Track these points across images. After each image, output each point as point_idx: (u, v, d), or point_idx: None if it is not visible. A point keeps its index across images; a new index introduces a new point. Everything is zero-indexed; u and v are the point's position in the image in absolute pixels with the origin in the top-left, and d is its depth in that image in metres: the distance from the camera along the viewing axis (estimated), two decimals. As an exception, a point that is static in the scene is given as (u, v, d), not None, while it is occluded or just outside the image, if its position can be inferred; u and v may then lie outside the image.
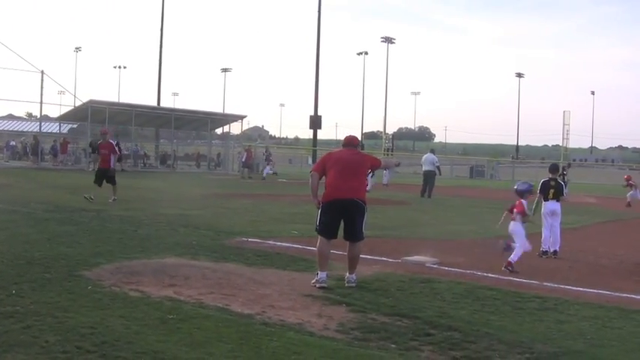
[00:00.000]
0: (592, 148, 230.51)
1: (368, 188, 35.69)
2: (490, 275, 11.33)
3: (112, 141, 24.14)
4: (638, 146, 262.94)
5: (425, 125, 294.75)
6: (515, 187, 13.09)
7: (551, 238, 14.23)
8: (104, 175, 22.21)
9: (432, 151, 35.79)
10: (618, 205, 33.63)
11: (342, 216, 9.99)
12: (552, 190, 14.42)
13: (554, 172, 14.87)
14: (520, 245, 12.15)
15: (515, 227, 12.38)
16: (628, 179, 37.16)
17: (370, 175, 39.40)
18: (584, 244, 16.81)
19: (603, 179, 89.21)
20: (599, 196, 42.35)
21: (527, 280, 11.02)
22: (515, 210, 12.46)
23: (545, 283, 10.84)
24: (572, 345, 7.25)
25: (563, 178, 36.11)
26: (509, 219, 12.51)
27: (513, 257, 11.99)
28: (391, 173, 43.69)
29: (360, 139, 11.85)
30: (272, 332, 7.16)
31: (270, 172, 47.42)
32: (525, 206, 12.63)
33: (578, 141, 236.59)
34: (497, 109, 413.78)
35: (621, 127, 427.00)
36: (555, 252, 14.07)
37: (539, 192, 14.48)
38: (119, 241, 13.33)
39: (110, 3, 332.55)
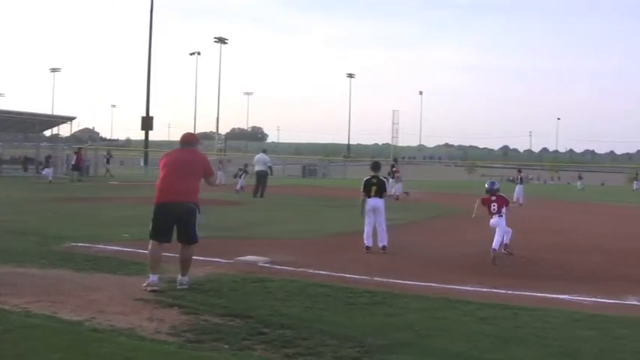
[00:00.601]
0: (420, 146, 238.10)
1: (237, 187, 35.80)
2: (322, 272, 11.49)
3: None
4: (463, 144, 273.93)
5: (258, 125, 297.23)
6: (487, 186, 14.84)
7: (379, 234, 14.59)
8: None
9: (264, 151, 35.85)
10: (447, 200, 34.89)
11: (173, 219, 9.80)
12: (374, 187, 14.76)
13: (376, 170, 15.15)
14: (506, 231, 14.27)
15: (501, 221, 14.06)
16: (396, 171, 38.62)
17: (242, 174, 39.37)
18: (414, 238, 17.38)
19: (431, 176, 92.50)
20: (428, 192, 43.80)
21: (358, 276, 11.25)
22: (497, 204, 14.22)
23: (375, 278, 11.10)
24: (402, 336, 7.45)
25: (393, 175, 37.43)
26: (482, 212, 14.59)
27: (507, 239, 14.36)
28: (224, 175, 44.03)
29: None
30: (102, 338, 6.98)
31: (49, 176, 44.21)
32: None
33: (408, 139, 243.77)
34: (329, 109, 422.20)
35: (448, 126, 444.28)
36: (384, 247, 14.41)
37: (362, 190, 14.83)
38: (-63, 250, 12.66)
39: None
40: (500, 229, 13.92)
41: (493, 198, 14.32)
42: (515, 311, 8.90)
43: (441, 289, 10.39)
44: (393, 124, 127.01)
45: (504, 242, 14.28)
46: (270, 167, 34.83)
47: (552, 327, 8.12)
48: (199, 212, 9.99)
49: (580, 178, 78.94)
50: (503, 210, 14.22)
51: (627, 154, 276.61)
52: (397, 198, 34.88)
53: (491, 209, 14.26)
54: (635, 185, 76.29)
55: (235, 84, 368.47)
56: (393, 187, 37.13)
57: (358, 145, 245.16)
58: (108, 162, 59.01)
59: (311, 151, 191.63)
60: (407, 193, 37.03)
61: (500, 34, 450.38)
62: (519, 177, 38.25)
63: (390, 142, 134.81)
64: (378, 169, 15.23)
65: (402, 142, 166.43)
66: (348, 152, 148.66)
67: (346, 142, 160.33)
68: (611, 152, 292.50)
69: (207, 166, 10.54)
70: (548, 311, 8.99)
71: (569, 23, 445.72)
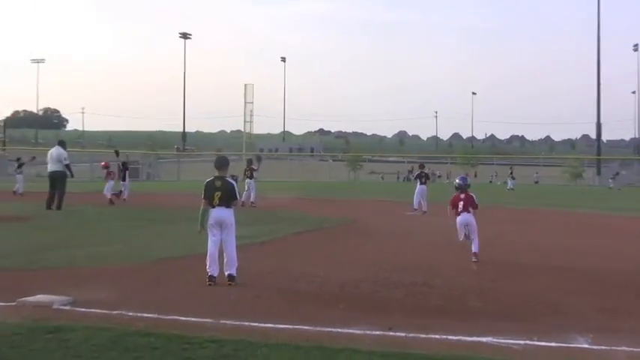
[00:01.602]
0: (285, 134, 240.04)
1: (15, 189, 35.03)
2: (146, 315, 11.29)
3: None
4: (344, 130, 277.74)
5: (53, 107, 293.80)
6: (459, 181, 18.29)
7: (226, 258, 14.34)
8: None
9: (61, 144, 34.52)
10: (321, 208, 35.10)
11: None
12: (219, 192, 14.40)
13: (221, 169, 14.74)
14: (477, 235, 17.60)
15: (471, 219, 17.49)
16: (105, 166, 39.00)
17: (18, 169, 38.31)
18: (275, 263, 17.36)
19: (300, 174, 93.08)
20: (296, 198, 44.03)
21: (199, 319, 11.10)
22: (463, 204, 17.61)
23: (222, 321, 10.98)
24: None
25: (252, 174, 37.61)
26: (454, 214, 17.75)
27: (476, 248, 17.40)
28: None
29: None
30: None
31: None
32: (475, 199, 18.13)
33: (267, 125, 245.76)
34: (156, 86, 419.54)
35: (322, 106, 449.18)
36: (231, 277, 14.20)
37: (203, 197, 14.52)
38: None
39: None
40: (472, 228, 17.46)
41: (462, 196, 17.73)
42: (419, 362, 8.97)
43: (316, 334, 10.37)
44: (246, 103, 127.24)
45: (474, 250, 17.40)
46: (68, 166, 33.79)
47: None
48: None
49: (511, 174, 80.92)
50: (470, 209, 17.61)
51: (569, 140, 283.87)
52: (252, 204, 35.34)
53: (459, 207, 17.57)
54: (509, 183, 78.68)
55: (19, 48, 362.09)
56: (253, 191, 37.35)
57: (198, 132, 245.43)
58: None
59: (130, 141, 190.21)
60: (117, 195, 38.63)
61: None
62: (420, 173, 38.17)
63: (243, 129, 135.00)
64: (224, 166, 14.86)
65: (260, 128, 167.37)
66: (184, 143, 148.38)
67: (181, 130, 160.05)
68: (547, 138, 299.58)
69: None
70: (464, 360, 9.10)
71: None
